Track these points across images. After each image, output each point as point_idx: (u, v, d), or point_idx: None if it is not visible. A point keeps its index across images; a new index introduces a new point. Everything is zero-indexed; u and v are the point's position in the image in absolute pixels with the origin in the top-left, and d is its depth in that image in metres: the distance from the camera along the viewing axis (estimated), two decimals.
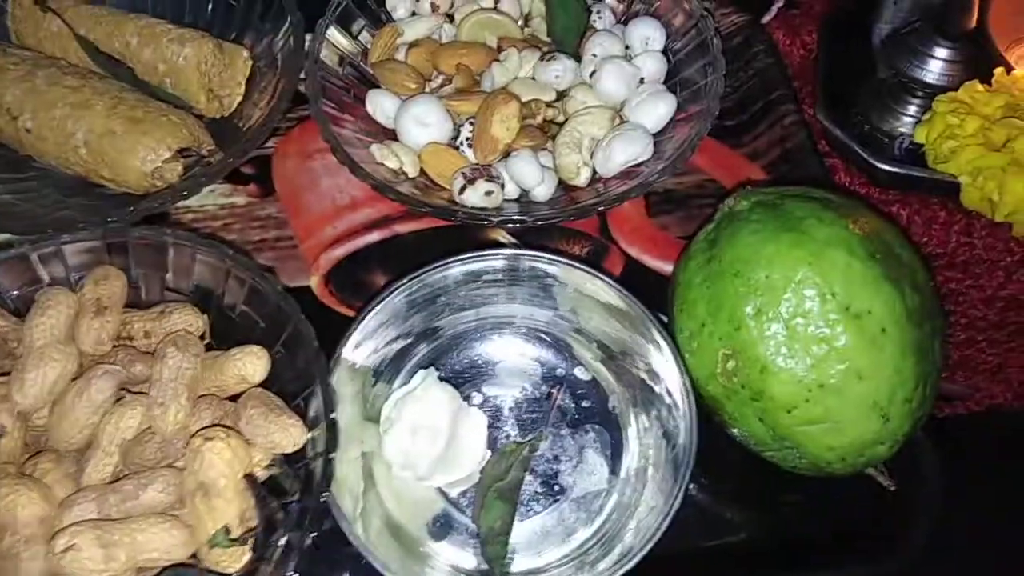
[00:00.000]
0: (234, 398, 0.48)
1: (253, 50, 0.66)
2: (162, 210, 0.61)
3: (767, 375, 0.48)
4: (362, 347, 0.52)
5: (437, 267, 0.53)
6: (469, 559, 0.51)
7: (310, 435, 0.46)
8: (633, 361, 0.54)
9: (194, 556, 0.44)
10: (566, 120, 0.63)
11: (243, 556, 0.43)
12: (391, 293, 0.53)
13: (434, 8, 0.67)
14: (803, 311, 0.47)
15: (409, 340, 0.55)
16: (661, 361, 0.52)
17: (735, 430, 0.51)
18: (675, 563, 0.50)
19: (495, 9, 0.67)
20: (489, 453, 0.53)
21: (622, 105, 0.63)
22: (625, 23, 0.67)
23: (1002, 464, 0.63)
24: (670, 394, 0.51)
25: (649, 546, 0.47)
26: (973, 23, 0.66)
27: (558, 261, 0.54)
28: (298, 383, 0.48)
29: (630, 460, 0.53)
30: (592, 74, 0.63)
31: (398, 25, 0.67)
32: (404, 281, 0.53)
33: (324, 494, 0.44)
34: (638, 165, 0.61)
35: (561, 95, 0.64)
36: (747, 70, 0.71)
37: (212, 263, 0.51)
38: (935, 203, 0.65)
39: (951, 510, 0.55)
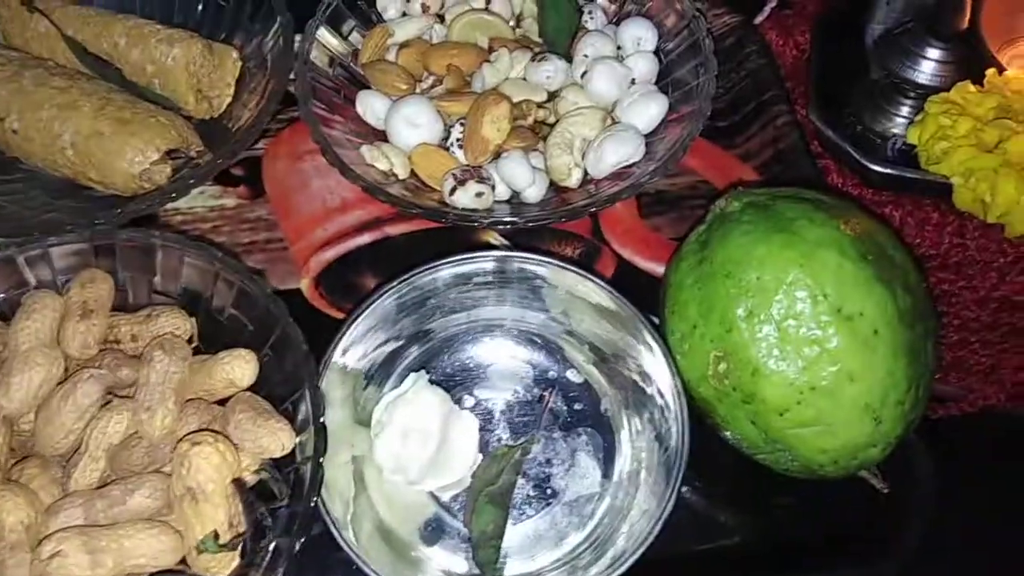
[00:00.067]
0: (222, 402, 0.48)
1: (242, 51, 0.66)
2: (150, 212, 0.60)
3: (759, 377, 0.47)
4: (352, 350, 0.52)
5: (427, 269, 0.53)
6: (461, 564, 0.50)
7: (299, 439, 0.45)
8: (625, 363, 0.54)
9: (182, 562, 0.43)
10: (557, 121, 0.62)
11: (232, 562, 0.42)
12: (381, 296, 0.52)
13: (425, 8, 0.67)
14: (795, 313, 0.47)
15: (400, 343, 0.55)
16: (653, 363, 0.52)
17: (727, 433, 0.50)
18: (668, 567, 0.50)
19: (486, 10, 0.67)
20: (481, 457, 0.52)
21: (614, 106, 0.63)
22: (617, 23, 0.67)
23: (996, 465, 0.62)
24: (662, 396, 0.51)
25: (642, 550, 0.46)
26: (965, 24, 0.65)
27: (548, 263, 0.53)
28: (287, 387, 0.48)
29: (623, 463, 0.53)
30: (583, 75, 0.63)
31: (388, 26, 0.66)
32: (394, 284, 0.52)
33: (313, 499, 0.43)
34: (630, 166, 0.61)
35: (552, 96, 0.64)
36: (740, 71, 0.70)
37: (200, 266, 0.51)
38: (928, 204, 0.65)
39: (945, 511, 0.55)
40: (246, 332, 0.50)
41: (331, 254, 0.62)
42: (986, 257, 0.64)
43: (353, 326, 0.52)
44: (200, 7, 0.68)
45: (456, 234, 0.62)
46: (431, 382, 0.53)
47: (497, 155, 0.61)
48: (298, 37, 0.64)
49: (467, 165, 0.60)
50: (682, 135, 0.60)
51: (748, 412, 0.48)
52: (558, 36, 0.66)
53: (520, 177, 0.59)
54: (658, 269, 0.61)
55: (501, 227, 0.61)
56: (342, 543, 0.46)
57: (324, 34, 0.65)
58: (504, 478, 0.51)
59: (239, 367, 0.47)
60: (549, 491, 0.52)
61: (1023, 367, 0.64)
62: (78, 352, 0.47)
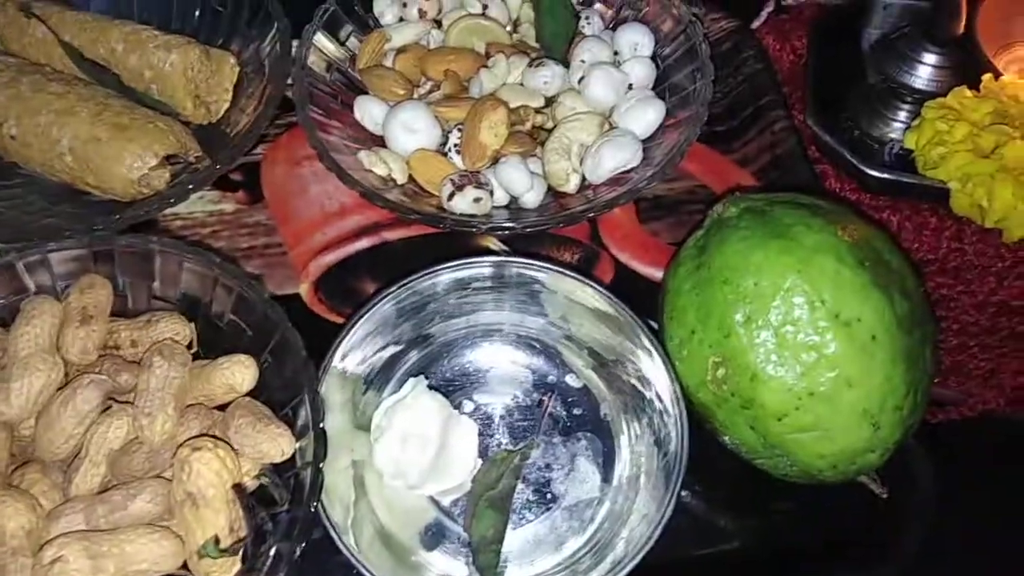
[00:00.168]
0: (222, 408, 0.48)
1: (240, 56, 0.66)
2: (149, 217, 0.60)
3: (757, 383, 0.47)
4: (352, 355, 0.52)
5: (426, 274, 0.53)
6: (461, 568, 0.50)
7: (299, 445, 0.45)
8: (624, 368, 0.54)
9: (184, 567, 0.43)
10: (555, 126, 0.62)
11: (233, 566, 0.42)
12: (380, 301, 0.52)
13: (422, 14, 0.67)
14: (792, 318, 0.47)
15: (399, 348, 0.55)
16: (652, 368, 0.52)
17: (726, 438, 0.50)
18: (667, 571, 0.50)
19: (483, 15, 0.67)
20: (480, 461, 0.52)
21: (611, 111, 0.63)
22: (614, 29, 0.67)
23: (995, 470, 0.63)
24: (661, 401, 0.51)
25: (641, 554, 0.46)
26: (961, 29, 0.66)
27: (547, 268, 0.53)
28: (286, 392, 0.48)
29: (622, 468, 0.53)
30: (581, 80, 0.63)
31: (386, 31, 0.66)
32: (393, 289, 0.52)
33: (314, 504, 0.43)
34: (628, 171, 0.61)
35: (550, 101, 0.64)
36: (737, 76, 0.71)
37: (199, 271, 0.51)
38: (926, 209, 0.65)
39: (944, 516, 0.55)
40: (245, 337, 0.50)
41: (330, 259, 0.62)
42: (984, 262, 0.64)
43: (352, 331, 0.52)
44: (198, 13, 0.68)
45: (454, 239, 0.62)
46: (430, 387, 0.53)
47: (495, 160, 0.61)
48: (295, 42, 0.64)
49: (465, 170, 0.60)
50: (679, 140, 0.60)
51: (747, 417, 0.48)
52: (555, 41, 0.66)
53: (518, 182, 0.59)
54: (656, 274, 0.62)
55: (499, 232, 0.61)
56: (342, 548, 0.46)
57: (321, 39, 0.65)
58: (504, 483, 0.51)
59: (239, 372, 0.47)
60: (549, 496, 0.52)
61: (1022, 371, 0.64)
62: (78, 358, 0.47)
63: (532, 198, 0.60)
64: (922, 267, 0.65)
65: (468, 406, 0.55)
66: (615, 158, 0.60)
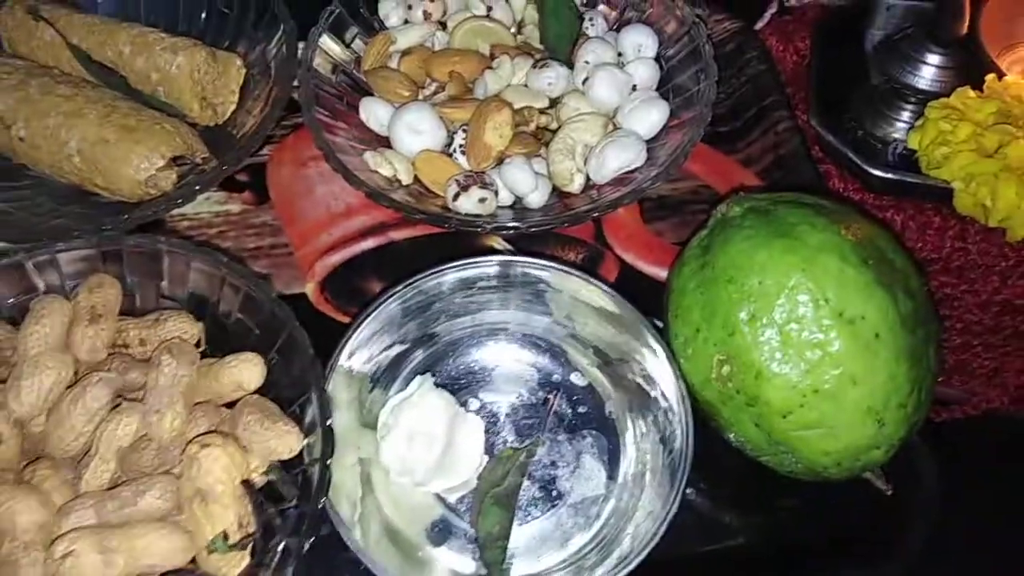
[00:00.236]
0: (230, 406, 0.48)
1: (246, 58, 0.66)
2: (156, 218, 0.61)
3: (762, 380, 0.48)
4: (358, 354, 0.52)
5: (431, 274, 0.53)
6: (468, 564, 0.50)
7: (307, 441, 0.46)
8: (629, 366, 0.54)
9: (193, 562, 0.43)
10: (559, 127, 0.63)
11: (242, 561, 0.43)
12: (386, 300, 0.53)
13: (427, 16, 0.67)
14: (797, 317, 0.47)
15: (405, 347, 0.55)
16: (657, 366, 0.52)
17: (731, 435, 0.51)
18: (673, 568, 0.50)
19: (488, 17, 0.67)
20: (486, 459, 0.53)
21: (615, 112, 0.64)
22: (618, 30, 0.68)
23: (999, 468, 0.63)
24: (666, 399, 0.51)
25: (647, 550, 0.47)
26: (965, 30, 0.66)
27: (552, 267, 0.54)
28: (294, 390, 0.48)
29: (627, 465, 0.53)
30: (585, 81, 0.64)
31: (391, 33, 0.67)
32: (399, 288, 0.53)
33: (322, 499, 0.44)
34: (632, 171, 0.61)
35: (554, 102, 0.64)
36: (740, 77, 0.71)
37: (207, 271, 0.51)
38: (929, 208, 0.66)
39: (948, 515, 0.55)
40: (252, 336, 0.50)
41: (336, 259, 0.62)
42: (988, 261, 0.65)
43: (359, 330, 0.52)
44: (204, 15, 0.69)
45: (460, 240, 0.62)
46: (436, 385, 0.53)
47: (500, 161, 0.61)
48: (301, 45, 0.65)
49: (470, 171, 0.61)
50: (683, 140, 0.61)
51: (752, 415, 0.49)
52: (559, 43, 0.66)
53: (523, 182, 0.60)
54: (660, 273, 0.62)
55: (504, 232, 0.61)
56: (350, 543, 0.46)
57: (327, 42, 0.66)
58: (510, 480, 0.52)
59: (246, 370, 0.47)
60: (555, 493, 0.53)
61: None
62: (87, 356, 0.47)
63: (537, 198, 0.61)
64: (926, 266, 0.65)
65: (474, 404, 0.55)
66: (619, 158, 0.61)
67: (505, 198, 0.61)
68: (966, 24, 0.66)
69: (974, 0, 0.65)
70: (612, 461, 0.54)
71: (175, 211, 0.63)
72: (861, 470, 0.49)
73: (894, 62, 0.69)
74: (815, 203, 0.52)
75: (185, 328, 0.50)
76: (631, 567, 0.46)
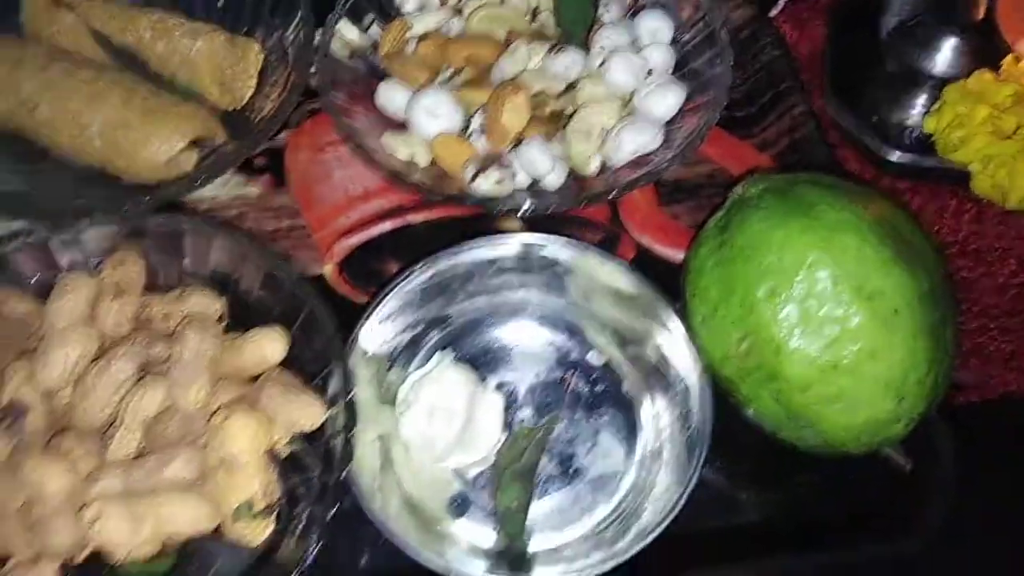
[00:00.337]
0: (253, 382, 0.49)
1: (264, 44, 0.67)
2: (176, 199, 0.61)
3: (781, 355, 0.48)
4: (377, 332, 0.53)
5: (451, 252, 0.54)
6: (487, 538, 0.51)
7: (330, 413, 0.46)
8: (647, 344, 0.54)
9: (218, 529, 0.44)
10: (575, 111, 0.63)
11: (266, 528, 0.43)
12: (406, 278, 0.53)
13: (443, 1, 0.68)
14: (815, 292, 0.47)
15: (424, 325, 0.55)
16: (674, 344, 0.52)
17: (750, 411, 0.51)
18: (691, 543, 0.50)
19: (503, 3, 0.68)
20: (505, 435, 0.53)
21: (631, 96, 0.64)
22: (633, 16, 0.68)
23: (1016, 452, 0.62)
24: (684, 376, 0.52)
25: (665, 524, 0.47)
26: (981, 14, 0.66)
27: (571, 245, 0.54)
28: (316, 364, 0.48)
29: (645, 442, 0.53)
30: (601, 65, 0.64)
31: (407, 19, 0.67)
32: (419, 266, 0.53)
33: (345, 468, 0.44)
34: (648, 155, 0.62)
35: (570, 87, 0.64)
36: (755, 63, 0.71)
37: (229, 248, 0.51)
38: (945, 192, 0.66)
39: (964, 498, 0.55)
40: (274, 313, 0.50)
41: (354, 241, 0.62)
42: (1005, 244, 0.65)
43: (378, 308, 0.52)
44: (221, 2, 0.69)
45: (477, 222, 0.62)
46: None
47: (517, 143, 0.61)
48: (319, 31, 0.65)
49: (487, 153, 0.61)
50: (699, 124, 0.61)
51: (771, 390, 0.49)
52: (575, 29, 0.67)
53: (540, 164, 0.60)
54: (676, 256, 0.62)
55: (521, 213, 0.61)
56: (371, 515, 0.46)
57: (344, 28, 0.66)
58: (528, 456, 0.52)
59: (269, 344, 0.48)
60: (573, 470, 0.53)
61: None
62: (112, 330, 0.48)
63: (553, 180, 0.61)
64: (942, 250, 0.65)
65: (492, 383, 0.55)
66: (635, 141, 0.61)
67: (522, 180, 0.61)
68: (983, 9, 0.66)
69: None
70: (630, 438, 0.54)
71: (194, 194, 0.63)
72: (880, 445, 0.49)
73: (909, 48, 0.69)
74: (833, 182, 0.52)
75: (208, 303, 0.50)
76: (649, 540, 0.47)
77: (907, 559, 0.53)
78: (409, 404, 0.51)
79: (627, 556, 0.47)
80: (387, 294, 0.53)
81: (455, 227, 0.63)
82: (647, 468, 0.52)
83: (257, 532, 0.43)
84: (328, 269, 0.61)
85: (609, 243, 0.63)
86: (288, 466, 0.46)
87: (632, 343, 0.55)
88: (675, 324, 0.52)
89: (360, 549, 0.50)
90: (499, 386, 0.55)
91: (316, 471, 0.45)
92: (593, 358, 0.56)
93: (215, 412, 0.44)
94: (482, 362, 0.56)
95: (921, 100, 0.68)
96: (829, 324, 0.47)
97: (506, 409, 0.54)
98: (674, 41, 0.66)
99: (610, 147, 0.61)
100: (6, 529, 0.42)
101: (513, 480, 0.51)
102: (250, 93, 0.66)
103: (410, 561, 0.46)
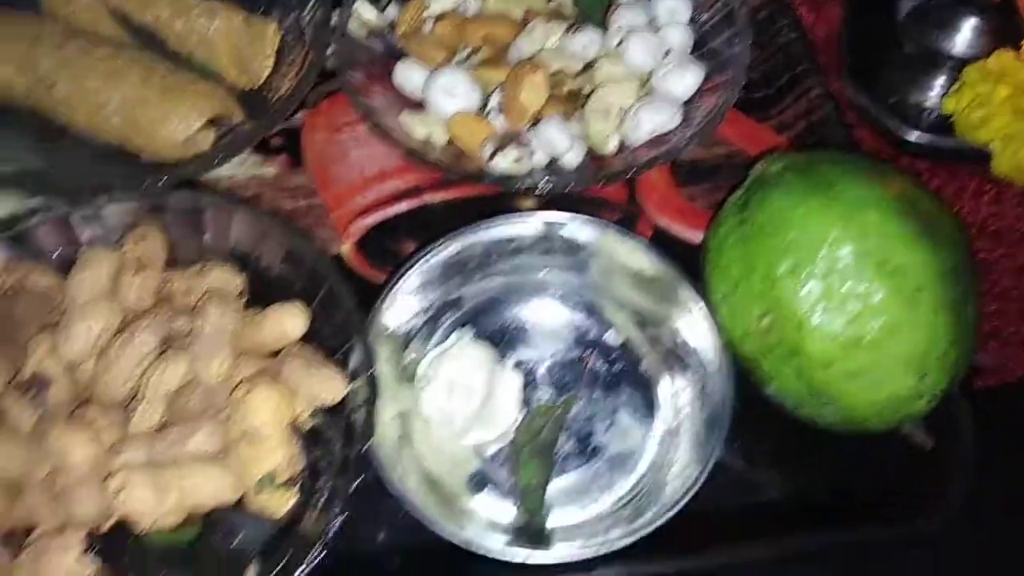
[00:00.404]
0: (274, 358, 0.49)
1: (281, 24, 0.66)
2: (194, 177, 0.61)
3: (803, 331, 0.48)
4: (396, 309, 0.53)
5: (472, 230, 0.54)
6: (506, 514, 0.51)
7: (351, 386, 0.46)
8: (666, 323, 0.54)
9: (241, 500, 0.44)
10: (593, 90, 0.63)
11: (289, 500, 0.43)
12: (426, 256, 0.53)
13: None
14: (838, 268, 0.47)
15: (443, 303, 0.55)
16: (694, 322, 0.52)
17: (771, 388, 0.51)
18: (710, 520, 0.50)
19: None
20: (523, 413, 0.53)
21: (649, 75, 0.64)
22: None
23: None
24: (704, 354, 0.52)
25: (683, 502, 0.47)
26: None
27: (592, 223, 0.54)
28: (337, 339, 0.48)
29: (664, 421, 0.53)
30: (618, 45, 0.64)
31: None
32: (439, 243, 0.53)
33: (368, 441, 0.44)
34: (666, 134, 0.61)
35: (588, 66, 0.64)
36: (772, 45, 0.71)
37: (249, 224, 0.51)
38: (964, 173, 0.65)
39: (983, 482, 0.55)
40: (295, 288, 0.50)
41: (371, 220, 0.62)
42: None
43: (397, 286, 0.52)
44: None
45: (495, 202, 0.62)
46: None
47: (535, 122, 0.61)
48: (336, 11, 0.65)
49: (506, 131, 0.61)
50: (717, 103, 0.61)
51: (793, 366, 0.49)
52: (592, 9, 0.66)
53: (559, 142, 0.60)
54: (693, 237, 0.62)
55: (539, 191, 0.61)
56: (391, 489, 0.46)
57: (361, 7, 0.66)
58: (546, 434, 0.52)
59: (289, 319, 0.47)
60: (592, 448, 0.53)
61: None
62: (134, 304, 0.48)
63: (572, 158, 0.61)
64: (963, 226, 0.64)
65: (511, 361, 0.55)
66: (653, 121, 0.61)
67: (540, 159, 0.61)
68: None
69: None
70: (648, 417, 0.54)
71: (211, 173, 0.63)
72: (902, 421, 0.49)
73: (928, 29, 0.69)
74: (854, 160, 0.52)
75: (228, 279, 0.50)
76: (668, 517, 0.47)
77: (927, 538, 0.53)
78: (429, 380, 0.51)
79: (647, 533, 0.47)
80: (408, 271, 0.53)
81: (472, 207, 0.63)
82: (666, 446, 0.52)
83: (280, 503, 0.43)
84: (345, 248, 0.61)
85: (626, 224, 0.63)
86: (310, 440, 0.46)
87: (651, 323, 0.55)
88: (695, 302, 0.52)
89: (381, 523, 0.50)
90: (518, 364, 0.55)
91: (338, 444, 0.45)
92: (611, 338, 0.56)
93: (237, 385, 0.44)
94: (501, 340, 0.56)
95: (939, 81, 0.68)
96: (851, 300, 0.47)
97: (524, 387, 0.53)
98: (692, 21, 0.66)
99: (628, 126, 0.61)
100: (32, 499, 0.42)
101: (532, 457, 0.51)
102: (267, 73, 0.66)
103: (431, 535, 0.46)
